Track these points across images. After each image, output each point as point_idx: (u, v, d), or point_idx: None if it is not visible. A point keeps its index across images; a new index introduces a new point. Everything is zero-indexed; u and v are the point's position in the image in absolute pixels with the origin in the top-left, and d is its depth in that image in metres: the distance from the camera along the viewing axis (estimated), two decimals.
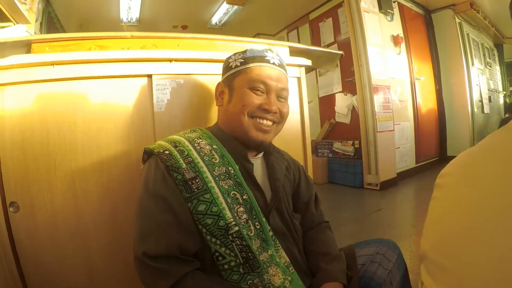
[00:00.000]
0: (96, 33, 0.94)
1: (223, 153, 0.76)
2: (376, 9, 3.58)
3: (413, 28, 4.30)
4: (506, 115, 4.61)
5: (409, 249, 1.79)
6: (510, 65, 7.10)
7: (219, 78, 0.87)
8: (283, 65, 0.84)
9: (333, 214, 2.60)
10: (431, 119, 4.55)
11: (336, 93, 3.96)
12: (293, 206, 0.87)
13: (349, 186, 3.64)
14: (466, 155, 0.45)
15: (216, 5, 4.22)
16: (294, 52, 1.25)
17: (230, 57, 0.84)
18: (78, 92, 0.89)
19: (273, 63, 0.80)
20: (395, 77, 3.77)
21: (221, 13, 4.44)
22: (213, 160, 0.73)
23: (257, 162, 0.83)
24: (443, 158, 4.68)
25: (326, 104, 4.18)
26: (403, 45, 3.98)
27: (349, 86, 3.74)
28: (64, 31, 3.76)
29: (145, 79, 0.96)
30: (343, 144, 3.84)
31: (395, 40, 3.86)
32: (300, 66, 1.24)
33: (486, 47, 5.75)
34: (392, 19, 3.87)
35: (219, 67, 0.92)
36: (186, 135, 0.78)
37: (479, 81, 5.09)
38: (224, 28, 4.89)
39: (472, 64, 4.85)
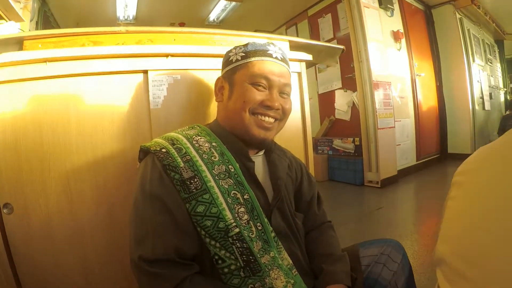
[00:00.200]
0: (90, 28, 0.91)
1: (223, 151, 0.73)
2: (376, 4, 3.55)
3: (414, 24, 4.27)
4: (507, 112, 4.59)
5: (412, 248, 1.77)
6: (510, 61, 7.08)
7: (217, 74, 0.84)
8: (286, 59, 0.81)
9: (333, 213, 2.58)
10: (431, 116, 4.53)
11: (336, 89, 3.93)
12: (295, 206, 0.84)
13: (350, 184, 3.62)
14: (486, 152, 0.42)
15: (214, 1, 4.19)
16: (294, 47, 1.22)
17: (230, 51, 0.81)
18: (71, 90, 0.87)
19: (276, 58, 0.77)
20: (395, 73, 3.75)
21: (218, 9, 4.41)
22: (212, 158, 0.70)
23: (258, 160, 0.80)
24: (444, 155, 4.66)
25: (325, 101, 4.15)
26: (403, 40, 3.95)
27: (349, 83, 3.71)
28: None
29: (141, 75, 0.93)
30: (343, 141, 3.82)
31: (396, 35, 3.83)
32: (301, 61, 1.21)
33: (486, 43, 5.72)
34: (392, 14, 3.84)
35: (217, 62, 0.89)
36: (184, 132, 0.75)
37: (480, 77, 5.06)
38: (222, 25, 4.86)
39: (473, 60, 4.82)
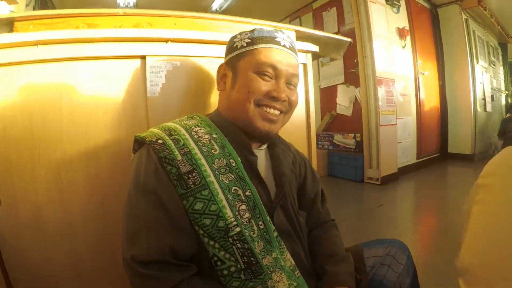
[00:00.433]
0: (85, 9, 0.85)
1: (224, 143, 0.68)
2: (383, 0, 3.48)
3: (419, 22, 4.24)
4: (508, 115, 4.59)
5: (413, 248, 1.75)
6: None
7: (220, 62, 0.80)
8: (295, 48, 0.76)
9: (333, 209, 2.53)
10: (433, 115, 4.52)
11: (338, 84, 3.89)
12: (298, 203, 0.80)
13: (349, 180, 3.61)
14: None
15: None
16: (300, 37, 1.17)
17: (235, 36, 0.75)
18: (63, 75, 0.81)
19: (284, 46, 0.72)
20: (399, 70, 3.72)
21: None
22: (212, 151, 0.65)
23: (260, 154, 0.75)
24: (444, 155, 4.66)
25: (327, 95, 4.11)
26: (408, 38, 3.92)
27: (351, 78, 3.67)
28: None
29: (138, 61, 0.88)
30: (344, 137, 3.79)
31: (401, 32, 3.79)
32: (307, 52, 1.16)
33: (491, 45, 5.71)
34: (398, 11, 3.80)
35: (220, 50, 0.84)
36: (182, 122, 0.70)
37: (483, 79, 5.05)
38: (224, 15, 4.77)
39: (477, 62, 4.80)
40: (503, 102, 6.41)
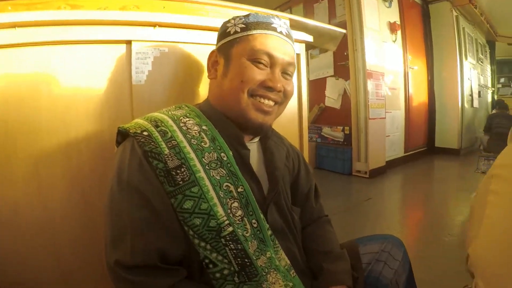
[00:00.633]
0: None
1: (215, 135, 0.63)
2: None
3: (410, 17, 4.26)
4: (493, 111, 4.71)
5: (404, 243, 1.78)
6: (500, 62, 7.36)
7: (211, 49, 0.75)
8: (291, 36, 0.71)
9: (322, 203, 2.57)
10: (421, 109, 4.58)
11: (328, 77, 3.87)
12: (291, 199, 0.77)
13: (338, 173, 3.63)
14: None
15: None
16: (294, 26, 1.12)
17: (228, 21, 0.70)
18: (43, 61, 0.75)
19: (280, 32, 0.67)
20: (389, 64, 3.73)
21: None
22: (202, 144, 0.60)
23: (252, 148, 0.71)
24: (431, 149, 4.75)
25: (316, 88, 4.08)
26: (399, 33, 3.94)
27: (341, 71, 3.65)
28: None
29: (124, 46, 0.82)
30: (333, 130, 3.80)
31: (392, 27, 3.79)
32: (301, 41, 1.12)
33: (479, 42, 5.83)
34: (390, 5, 3.80)
35: (211, 36, 0.79)
36: (170, 113, 0.65)
37: (471, 75, 5.15)
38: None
39: (466, 58, 4.88)
40: (489, 98, 6.60)
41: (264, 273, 0.57)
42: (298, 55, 1.12)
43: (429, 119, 4.76)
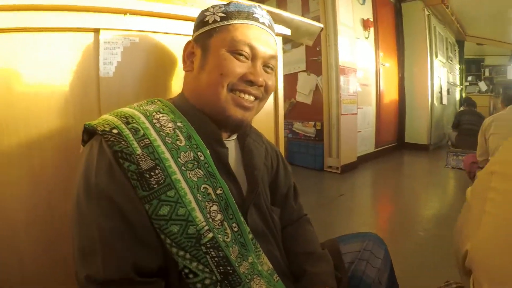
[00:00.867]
0: None
1: (191, 133, 0.59)
2: None
3: (383, 15, 4.35)
4: (461, 108, 4.90)
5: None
6: (468, 61, 7.66)
7: (186, 40, 0.70)
8: (273, 27, 0.68)
9: (301, 202, 2.58)
10: (392, 106, 4.69)
11: (299, 72, 3.87)
12: (270, 199, 0.73)
13: (309, 168, 3.65)
14: None
15: None
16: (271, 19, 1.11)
17: (207, 10, 0.65)
18: (0, 50, 0.67)
19: (263, 23, 0.63)
20: (361, 60, 3.79)
21: None
22: (177, 142, 0.56)
23: (230, 146, 0.67)
24: (400, 144, 4.89)
25: (287, 82, 4.03)
26: (372, 30, 4.00)
27: (313, 66, 3.66)
28: None
29: (91, 35, 0.75)
30: (304, 125, 3.82)
31: (365, 24, 3.86)
32: (278, 35, 1.07)
33: (449, 41, 6.04)
34: (364, 2, 3.86)
35: (186, 26, 0.74)
36: (141, 108, 0.59)
37: (441, 73, 5.33)
38: None
39: (436, 57, 5.04)
40: (458, 96, 6.85)
41: (247, 280, 0.54)
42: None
43: (400, 115, 4.89)
